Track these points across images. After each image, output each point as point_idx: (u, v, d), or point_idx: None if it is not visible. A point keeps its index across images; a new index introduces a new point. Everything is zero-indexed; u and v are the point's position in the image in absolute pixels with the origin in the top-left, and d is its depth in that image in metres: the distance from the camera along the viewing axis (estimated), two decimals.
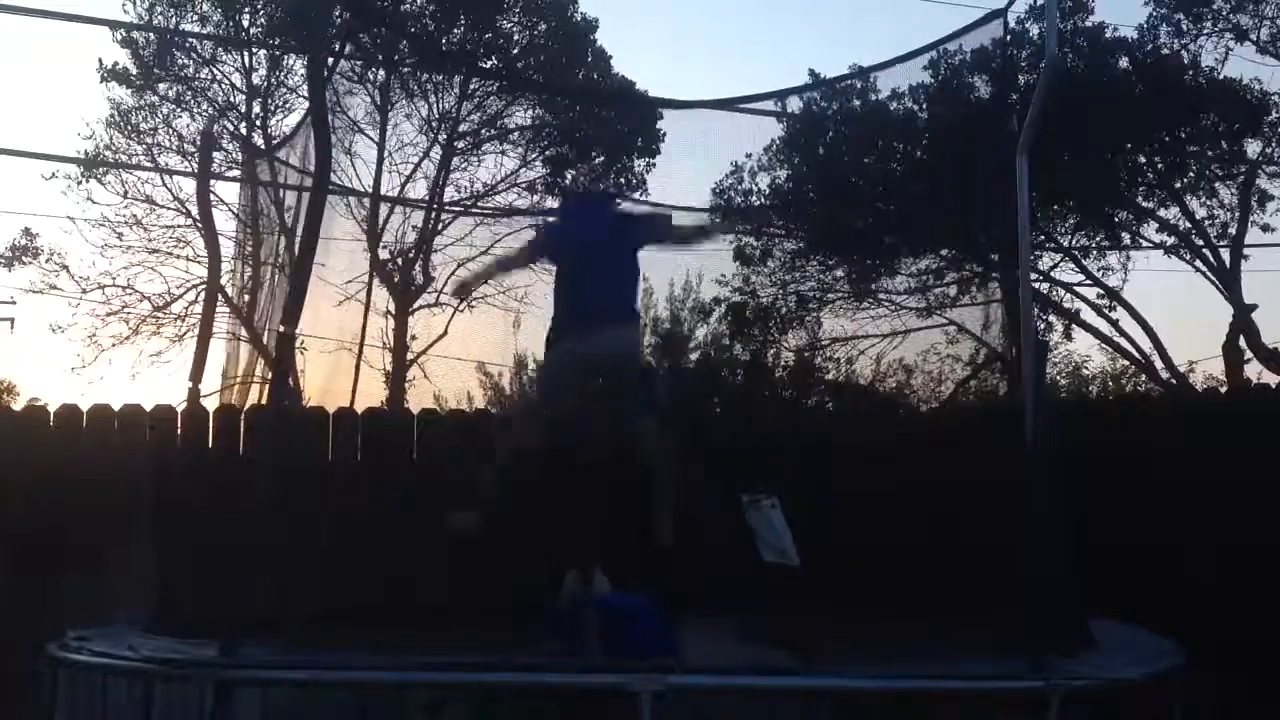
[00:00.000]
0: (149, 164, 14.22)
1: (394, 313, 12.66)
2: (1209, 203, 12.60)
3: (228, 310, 8.67)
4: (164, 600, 4.70)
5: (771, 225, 10.81)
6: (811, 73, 11.80)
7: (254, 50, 13.98)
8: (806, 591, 4.61)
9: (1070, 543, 4.25)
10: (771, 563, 4.67)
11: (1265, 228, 12.69)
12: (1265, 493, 5.64)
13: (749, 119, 6.95)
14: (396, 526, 5.88)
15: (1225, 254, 12.68)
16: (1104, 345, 14.03)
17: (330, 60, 5.65)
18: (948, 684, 3.58)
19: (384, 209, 12.53)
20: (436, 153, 13.84)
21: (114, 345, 14.48)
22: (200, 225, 12.18)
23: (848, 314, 10.54)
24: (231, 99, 14.30)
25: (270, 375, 5.82)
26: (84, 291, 14.40)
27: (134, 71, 14.04)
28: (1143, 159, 12.27)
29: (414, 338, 13.12)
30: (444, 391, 11.30)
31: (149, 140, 14.28)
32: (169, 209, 14.30)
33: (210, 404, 6.41)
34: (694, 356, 10.52)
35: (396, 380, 12.64)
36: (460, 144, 14.11)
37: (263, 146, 11.88)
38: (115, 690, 3.83)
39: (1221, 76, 11.91)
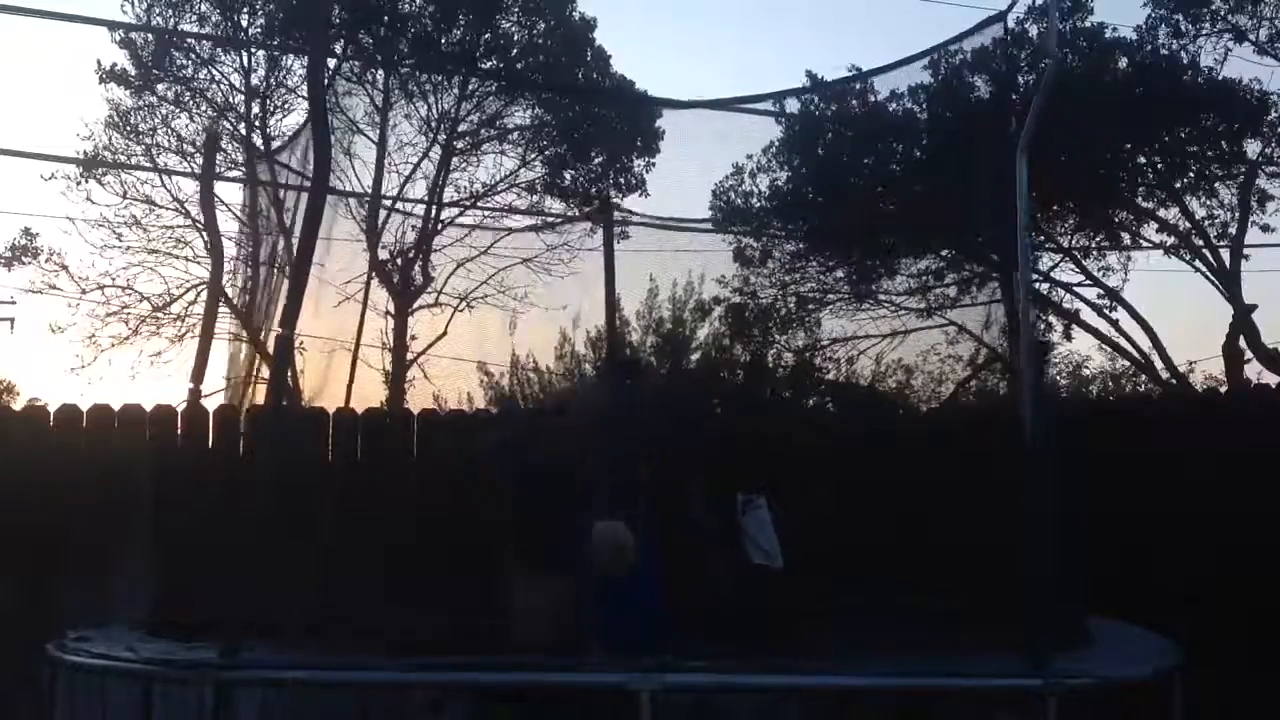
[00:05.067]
0: (148, 164, 14.22)
1: (394, 313, 12.65)
2: (1209, 203, 12.61)
3: (228, 310, 8.66)
4: (164, 600, 4.70)
5: (771, 226, 10.82)
6: (809, 74, 11.81)
7: (253, 50, 13.97)
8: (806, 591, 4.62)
9: (1070, 542, 4.26)
10: (759, 564, 4.67)
11: (1265, 228, 12.71)
12: (1265, 492, 5.65)
13: (749, 120, 6.97)
14: (396, 526, 5.89)
15: (1225, 254, 12.68)
16: (1104, 345, 14.04)
17: (332, 62, 5.64)
18: (948, 682, 3.59)
19: (384, 209, 12.54)
20: (436, 153, 13.84)
21: (114, 345, 14.45)
22: (202, 226, 12.21)
23: (848, 314, 10.55)
24: (231, 99, 14.30)
25: (270, 375, 5.83)
26: (84, 292, 14.38)
27: (132, 72, 14.03)
28: (1143, 159, 12.27)
29: (414, 338, 13.11)
30: (444, 391, 11.29)
31: (148, 141, 14.28)
32: (168, 209, 14.30)
33: (210, 404, 6.42)
34: (694, 357, 10.51)
35: (396, 380, 12.63)
36: (460, 144, 14.11)
37: (262, 147, 11.89)
38: (115, 691, 3.83)
39: (1221, 77, 11.92)
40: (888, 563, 5.34)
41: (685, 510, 4.83)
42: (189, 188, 13.65)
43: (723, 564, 4.77)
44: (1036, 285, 11.69)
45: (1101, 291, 13.34)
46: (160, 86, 14.11)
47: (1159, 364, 13.23)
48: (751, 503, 4.78)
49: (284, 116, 14.08)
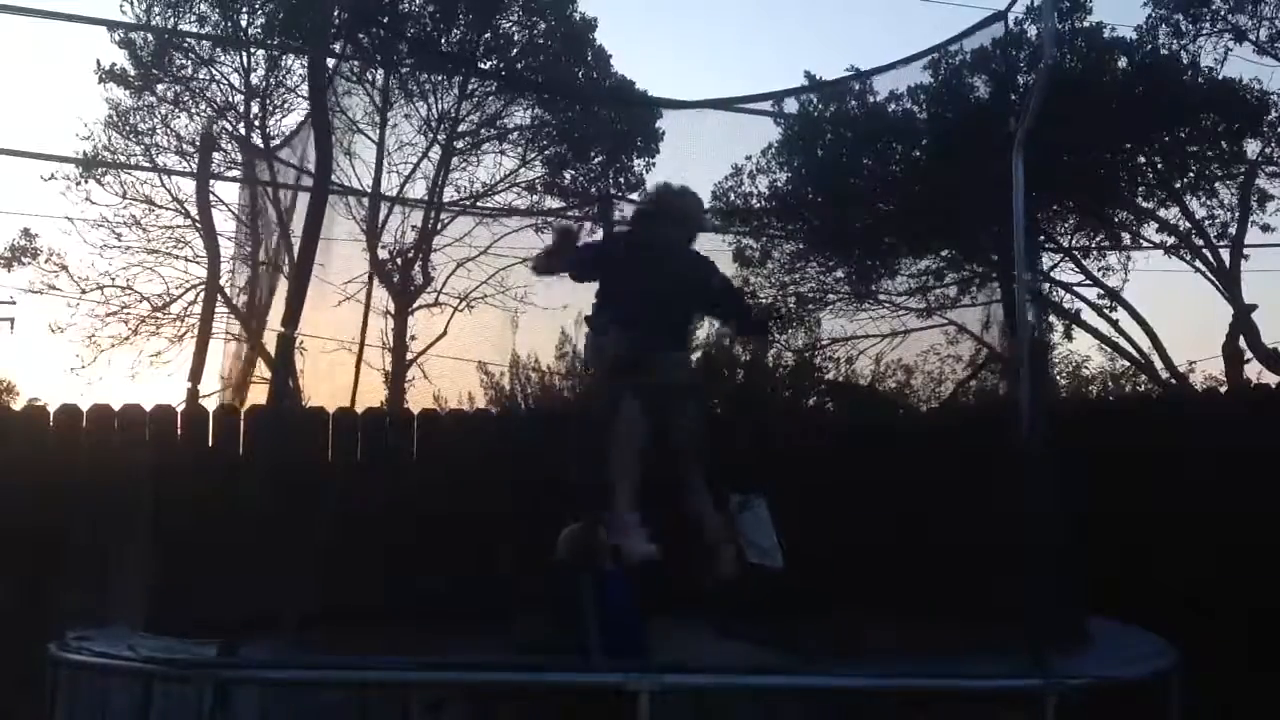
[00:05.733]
0: (147, 164, 14.25)
1: (394, 313, 12.67)
2: (1209, 203, 12.63)
3: (227, 310, 8.66)
4: (164, 600, 4.70)
5: (771, 227, 10.84)
6: (808, 75, 11.82)
7: (252, 50, 13.98)
8: (805, 591, 4.62)
9: (1069, 542, 4.26)
10: (756, 564, 4.65)
11: (1265, 228, 12.73)
12: (1264, 492, 5.64)
13: (748, 121, 6.94)
14: (396, 526, 5.89)
15: (1225, 254, 12.70)
16: (1104, 345, 14.06)
17: (331, 62, 5.65)
18: (946, 683, 3.58)
19: (384, 209, 12.55)
20: (436, 153, 13.86)
21: (114, 345, 14.52)
22: (199, 226, 12.22)
23: (847, 314, 10.57)
24: (230, 99, 14.32)
25: (270, 375, 5.83)
26: (83, 292, 14.44)
27: (132, 72, 14.05)
28: (1142, 159, 12.27)
29: (414, 338, 13.13)
30: (444, 391, 11.30)
31: (147, 141, 14.31)
32: (168, 209, 14.34)
33: (210, 404, 6.42)
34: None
35: (396, 380, 12.65)
36: (459, 144, 14.12)
37: (261, 147, 11.90)
38: (115, 691, 3.83)
39: (1220, 77, 11.93)
40: (888, 563, 5.35)
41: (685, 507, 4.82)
42: (188, 188, 13.72)
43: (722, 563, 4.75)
44: (1036, 285, 11.69)
45: (1101, 291, 13.37)
46: (160, 86, 14.14)
47: (1159, 364, 13.26)
48: (748, 502, 4.75)
49: (284, 116, 14.12)
